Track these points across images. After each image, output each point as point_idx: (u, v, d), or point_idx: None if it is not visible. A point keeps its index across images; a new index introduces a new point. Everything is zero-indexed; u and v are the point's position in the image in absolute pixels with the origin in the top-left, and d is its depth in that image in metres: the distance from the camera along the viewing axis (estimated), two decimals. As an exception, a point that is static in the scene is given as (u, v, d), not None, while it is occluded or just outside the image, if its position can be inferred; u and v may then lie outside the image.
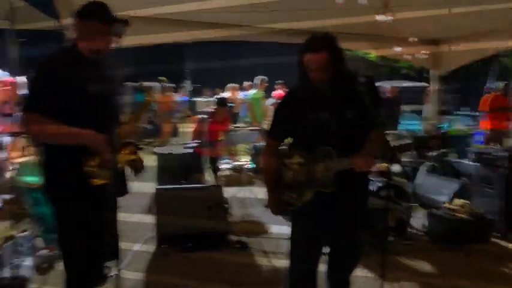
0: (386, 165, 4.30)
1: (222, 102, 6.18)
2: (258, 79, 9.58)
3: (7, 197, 5.46)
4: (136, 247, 4.21)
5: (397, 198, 4.56)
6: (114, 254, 2.36)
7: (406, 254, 4.19)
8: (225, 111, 6.09)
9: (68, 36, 5.55)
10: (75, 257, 2.26)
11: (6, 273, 3.26)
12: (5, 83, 7.19)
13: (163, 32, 5.77)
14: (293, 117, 2.48)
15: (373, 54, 15.16)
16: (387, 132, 7.29)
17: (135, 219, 4.67)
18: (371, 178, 4.76)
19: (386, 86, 11.96)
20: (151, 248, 4.24)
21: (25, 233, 4.23)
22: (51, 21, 5.79)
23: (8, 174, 5.45)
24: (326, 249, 2.67)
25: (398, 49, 6.64)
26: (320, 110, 2.38)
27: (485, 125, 8.11)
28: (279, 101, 2.79)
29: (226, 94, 10.48)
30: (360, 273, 3.40)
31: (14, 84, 7.18)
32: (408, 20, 5.61)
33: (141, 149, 2.44)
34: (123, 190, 2.42)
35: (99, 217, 2.17)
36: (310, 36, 2.37)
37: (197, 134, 5.78)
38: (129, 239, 4.24)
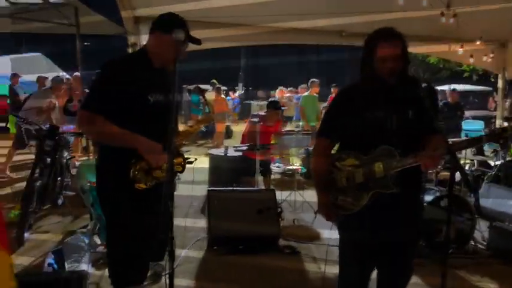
0: (446, 173, 4.09)
1: (274, 105, 6.14)
2: (310, 82, 9.51)
3: (71, 193, 5.76)
4: (188, 248, 4.27)
5: (458, 209, 4.31)
6: (162, 254, 2.40)
7: (467, 267, 3.96)
8: (277, 114, 6.04)
9: (130, 42, 5.83)
10: (117, 255, 2.32)
11: (66, 267, 3.41)
12: (68, 83, 7.63)
13: (216, 35, 5.86)
14: (351, 114, 2.31)
15: (433, 57, 14.60)
16: (448, 139, 6.97)
17: (188, 221, 4.73)
18: (432, 187, 4.57)
19: (447, 89, 11.44)
20: (202, 249, 4.28)
21: (84, 230, 4.44)
22: (116, 28, 6.06)
23: (72, 172, 5.73)
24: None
25: (461, 51, 6.31)
26: (384, 106, 2.25)
27: None
28: (333, 99, 2.65)
29: (276, 96, 10.48)
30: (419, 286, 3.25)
31: (78, 83, 7.59)
32: (473, 21, 5.33)
33: (190, 162, 2.48)
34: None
35: (145, 219, 2.20)
36: (381, 28, 2.28)
37: (248, 137, 5.77)
38: (181, 240, 4.32)
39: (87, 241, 3.81)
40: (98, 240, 4.05)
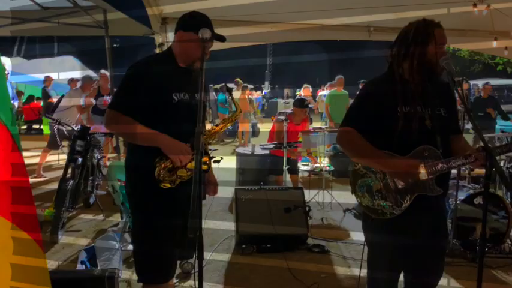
0: (479, 170, 3.96)
1: (300, 103, 6.08)
2: (336, 79, 9.42)
3: (102, 192, 5.89)
4: (216, 247, 4.29)
5: (494, 206, 4.17)
6: (191, 252, 2.40)
7: (503, 267, 3.83)
8: (304, 112, 5.97)
9: (157, 42, 5.90)
10: (143, 253, 2.33)
11: (98, 264, 3.48)
12: (97, 83, 7.80)
13: (241, 33, 5.86)
14: (382, 107, 2.17)
15: (465, 49, 14.16)
16: (484, 134, 6.77)
17: (216, 220, 4.76)
18: (465, 185, 4.43)
19: (479, 84, 11.10)
20: (230, 248, 4.30)
21: (115, 228, 4.53)
22: (144, 29, 6.15)
23: (103, 172, 5.85)
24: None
25: (495, 44, 6.09)
26: (420, 102, 2.15)
27: None
28: (367, 86, 2.40)
29: (302, 94, 10.41)
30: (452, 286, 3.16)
31: (105, 81, 7.77)
32: (507, 13, 5.14)
33: (217, 161, 2.47)
34: (204, 196, 2.45)
35: (172, 217, 2.20)
36: (425, 19, 2.18)
37: (275, 135, 5.74)
38: (209, 239, 4.35)
39: (118, 239, 3.88)
40: (128, 238, 4.12)
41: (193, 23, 2.26)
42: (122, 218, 4.69)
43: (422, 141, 2.14)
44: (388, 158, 2.14)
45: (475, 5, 4.78)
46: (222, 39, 2.31)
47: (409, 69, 2.16)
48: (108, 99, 7.35)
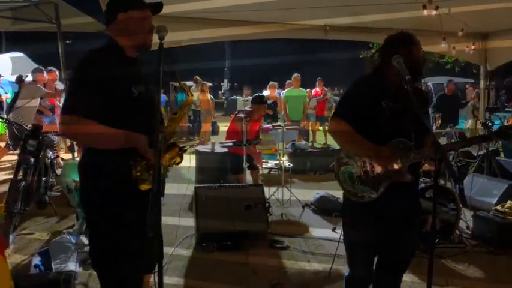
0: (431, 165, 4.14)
1: (259, 99, 6.03)
2: (293, 77, 9.54)
3: (56, 194, 5.69)
4: (176, 246, 4.26)
5: (444, 199, 4.38)
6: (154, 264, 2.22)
7: (453, 257, 4.03)
8: (263, 108, 5.95)
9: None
10: (114, 274, 2.10)
11: (53, 268, 3.37)
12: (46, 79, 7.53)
13: (197, 30, 5.83)
14: (368, 102, 2.42)
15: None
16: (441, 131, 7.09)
17: (175, 218, 4.72)
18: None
19: (444, 82, 11.52)
20: (190, 246, 4.28)
21: (71, 230, 4.40)
22: (98, 25, 5.99)
23: (58, 172, 5.66)
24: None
25: (444, 44, 6.37)
26: (400, 100, 2.37)
27: None
28: (354, 84, 2.62)
29: (266, 92, 10.48)
30: (406, 277, 3.28)
31: (53, 78, 7.51)
32: (454, 14, 5.40)
33: (185, 150, 2.37)
34: (163, 193, 2.35)
35: (143, 226, 1.87)
36: (402, 31, 2.52)
37: (233, 133, 5.70)
38: (169, 238, 4.30)
39: (74, 241, 3.77)
40: (85, 240, 4.01)
41: (129, 1, 2.13)
42: (77, 219, 4.56)
43: (400, 134, 2.42)
44: (372, 145, 2.39)
45: (424, 7, 4.98)
46: (158, 7, 2.19)
47: (393, 71, 2.37)
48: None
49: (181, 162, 2.30)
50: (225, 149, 5.58)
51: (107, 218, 2.06)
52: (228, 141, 5.47)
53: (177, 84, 13.53)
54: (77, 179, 4.11)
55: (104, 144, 2.04)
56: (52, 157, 5.55)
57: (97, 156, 2.05)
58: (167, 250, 4.03)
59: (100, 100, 1.98)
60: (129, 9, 2.11)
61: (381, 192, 2.43)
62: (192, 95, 2.46)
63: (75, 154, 6.30)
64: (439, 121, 8.92)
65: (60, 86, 7.23)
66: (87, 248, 3.90)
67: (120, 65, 2.09)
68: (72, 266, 3.39)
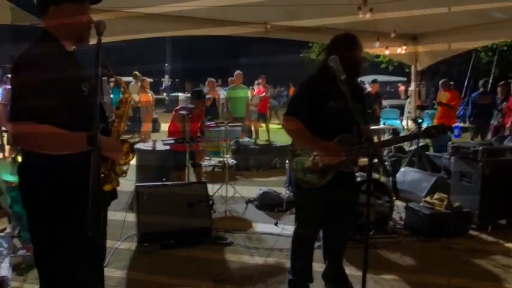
0: (365, 159, 4.34)
1: (198, 94, 5.96)
2: (235, 74, 9.59)
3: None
4: (118, 245, 4.16)
5: (378, 192, 4.62)
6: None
7: (386, 247, 4.26)
8: (202, 103, 5.91)
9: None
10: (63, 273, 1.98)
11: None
12: None
13: (135, 25, 5.71)
14: (316, 102, 2.81)
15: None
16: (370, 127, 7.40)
17: (116, 217, 4.59)
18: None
19: (367, 81, 12.05)
20: (132, 246, 4.20)
21: (2, 233, 4.16)
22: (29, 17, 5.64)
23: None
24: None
25: (377, 44, 6.68)
26: (343, 99, 2.52)
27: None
28: (303, 85, 3.02)
29: (205, 89, 10.45)
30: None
31: None
32: (387, 15, 5.67)
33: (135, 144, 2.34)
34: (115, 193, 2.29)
35: (101, 226, 1.80)
36: (349, 34, 2.90)
37: (174, 130, 5.62)
38: (111, 237, 4.19)
39: (6, 245, 3.58)
40: (18, 244, 3.82)
41: None
42: (10, 222, 4.31)
43: (345, 130, 2.84)
44: (322, 142, 2.79)
45: (359, 8, 5.19)
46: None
47: (337, 70, 2.54)
48: None
49: (133, 158, 2.27)
50: (167, 147, 5.51)
51: (60, 220, 1.92)
52: (170, 138, 5.41)
53: (112, 79, 13.03)
54: (8, 179, 3.92)
55: (68, 149, 1.88)
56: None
57: (52, 159, 1.87)
58: (111, 245, 3.99)
59: (52, 102, 1.80)
60: (69, 2, 1.97)
61: (328, 180, 2.87)
62: (128, 90, 2.38)
63: (6, 154, 5.94)
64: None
65: None
66: (21, 252, 3.72)
67: (64, 61, 1.96)
68: (4, 271, 3.22)
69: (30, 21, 5.52)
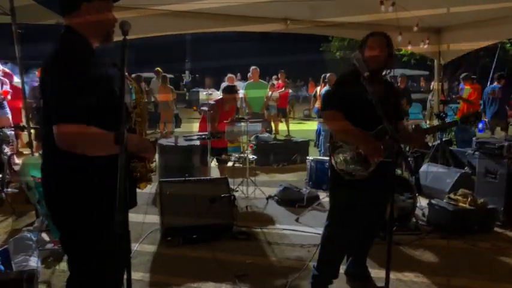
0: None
1: (230, 89, 6.04)
2: (251, 69, 9.60)
3: (14, 190, 5.50)
4: (141, 241, 4.24)
5: (401, 188, 4.57)
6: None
7: (409, 244, 4.22)
8: (233, 99, 5.97)
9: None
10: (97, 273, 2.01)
11: (13, 267, 3.29)
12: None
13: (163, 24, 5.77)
14: (353, 95, 2.82)
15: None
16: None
17: (140, 214, 4.68)
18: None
19: (396, 75, 11.87)
20: (156, 241, 4.27)
21: (31, 227, 4.28)
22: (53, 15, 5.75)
23: (16, 168, 5.48)
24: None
25: (399, 39, 6.58)
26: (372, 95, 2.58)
27: None
28: (338, 81, 3.13)
29: (224, 84, 10.49)
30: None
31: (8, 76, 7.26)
32: (410, 9, 5.59)
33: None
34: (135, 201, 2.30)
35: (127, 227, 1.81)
36: (375, 32, 2.96)
37: (204, 126, 5.69)
38: (134, 232, 4.27)
39: (34, 239, 3.68)
40: (46, 237, 3.93)
41: None
42: (37, 216, 4.44)
43: (380, 122, 2.73)
44: (364, 135, 2.83)
45: (381, 2, 5.13)
46: None
47: (360, 67, 2.63)
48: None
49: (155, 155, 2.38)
50: (189, 142, 5.58)
51: (90, 221, 1.93)
52: (193, 134, 5.48)
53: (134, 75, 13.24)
54: (36, 175, 4.02)
55: (106, 151, 1.85)
56: (9, 153, 5.36)
57: (86, 160, 1.84)
58: (132, 246, 4.02)
59: (93, 103, 1.80)
60: (94, 0, 1.95)
61: (371, 171, 2.84)
62: (139, 90, 2.42)
63: (34, 149, 6.09)
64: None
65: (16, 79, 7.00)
66: (49, 246, 3.83)
67: (97, 61, 1.96)
68: (33, 264, 3.32)
69: (54, 20, 5.65)
